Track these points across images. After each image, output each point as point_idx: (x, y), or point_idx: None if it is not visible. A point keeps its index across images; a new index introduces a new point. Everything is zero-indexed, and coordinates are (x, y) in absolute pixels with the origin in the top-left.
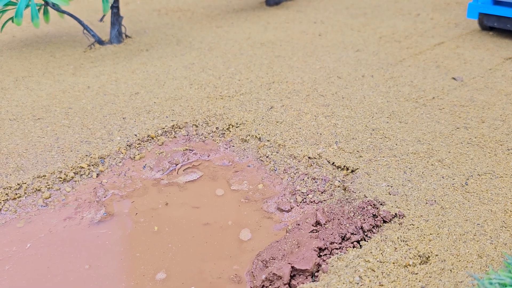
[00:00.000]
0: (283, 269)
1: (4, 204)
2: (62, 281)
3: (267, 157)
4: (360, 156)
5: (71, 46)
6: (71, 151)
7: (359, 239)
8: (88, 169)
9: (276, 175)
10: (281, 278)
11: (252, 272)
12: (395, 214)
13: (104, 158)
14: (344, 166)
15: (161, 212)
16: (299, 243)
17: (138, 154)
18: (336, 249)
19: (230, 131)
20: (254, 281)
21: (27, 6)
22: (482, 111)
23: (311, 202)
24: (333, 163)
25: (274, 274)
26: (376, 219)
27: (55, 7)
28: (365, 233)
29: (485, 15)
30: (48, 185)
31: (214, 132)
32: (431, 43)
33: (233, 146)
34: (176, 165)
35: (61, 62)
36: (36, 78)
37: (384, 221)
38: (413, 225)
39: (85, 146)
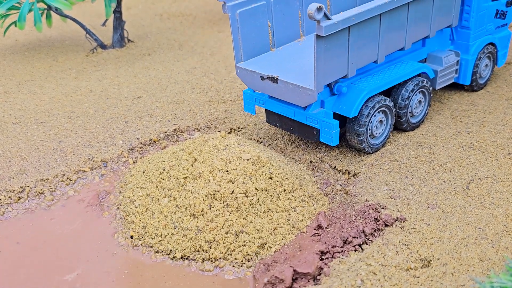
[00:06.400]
0: (285, 272)
1: (7, 207)
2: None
3: None
4: (362, 160)
5: (74, 50)
6: (73, 154)
7: (361, 243)
8: (91, 172)
9: None
10: (283, 281)
11: (254, 275)
12: (397, 218)
13: (107, 162)
14: (345, 170)
15: None
16: (301, 247)
17: (141, 158)
18: (338, 252)
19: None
20: (257, 284)
21: (30, 10)
22: (483, 116)
23: None
24: (335, 167)
25: (276, 277)
26: (377, 222)
27: (58, 11)
28: (367, 237)
29: (267, 111)
30: (51, 188)
31: None
32: None
33: None
34: None
35: (63, 66)
36: (39, 82)
37: (386, 225)
38: (415, 229)
39: (88, 149)
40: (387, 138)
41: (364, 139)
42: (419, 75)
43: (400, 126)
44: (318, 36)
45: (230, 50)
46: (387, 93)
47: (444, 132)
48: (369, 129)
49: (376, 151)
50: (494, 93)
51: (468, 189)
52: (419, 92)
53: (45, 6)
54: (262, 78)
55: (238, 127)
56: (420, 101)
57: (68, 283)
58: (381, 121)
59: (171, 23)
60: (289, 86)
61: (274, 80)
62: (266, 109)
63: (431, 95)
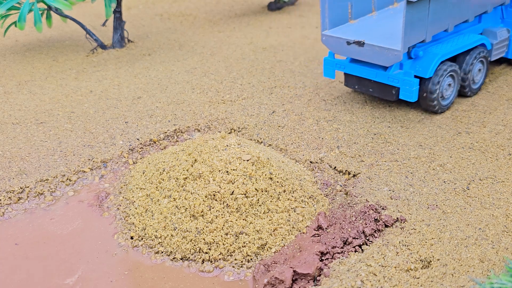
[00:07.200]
0: (285, 273)
1: (7, 208)
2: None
3: None
4: (362, 161)
5: (74, 51)
6: (73, 155)
7: (361, 244)
8: (91, 173)
9: None
10: (283, 282)
11: (254, 276)
12: (397, 218)
13: (107, 162)
14: (346, 170)
15: None
16: (301, 248)
17: (141, 158)
18: (338, 253)
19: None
20: (256, 285)
21: (30, 10)
22: (483, 116)
23: None
24: (335, 167)
25: (276, 278)
26: (377, 223)
27: (58, 11)
28: (367, 238)
29: (346, 75)
30: (51, 189)
31: None
32: None
33: None
34: None
35: (63, 66)
36: (39, 83)
37: (386, 226)
38: (415, 229)
39: (88, 150)
40: (452, 102)
41: (436, 100)
42: (476, 47)
43: (463, 91)
44: (408, 2)
45: (230, 50)
46: (452, 62)
47: (444, 133)
48: (441, 91)
49: (444, 111)
50: (494, 93)
51: (468, 189)
52: (479, 61)
53: (45, 6)
54: (348, 43)
55: (238, 128)
56: (479, 69)
57: (67, 283)
58: (449, 85)
59: (171, 23)
60: (375, 49)
61: (361, 44)
62: (345, 73)
63: (489, 65)
